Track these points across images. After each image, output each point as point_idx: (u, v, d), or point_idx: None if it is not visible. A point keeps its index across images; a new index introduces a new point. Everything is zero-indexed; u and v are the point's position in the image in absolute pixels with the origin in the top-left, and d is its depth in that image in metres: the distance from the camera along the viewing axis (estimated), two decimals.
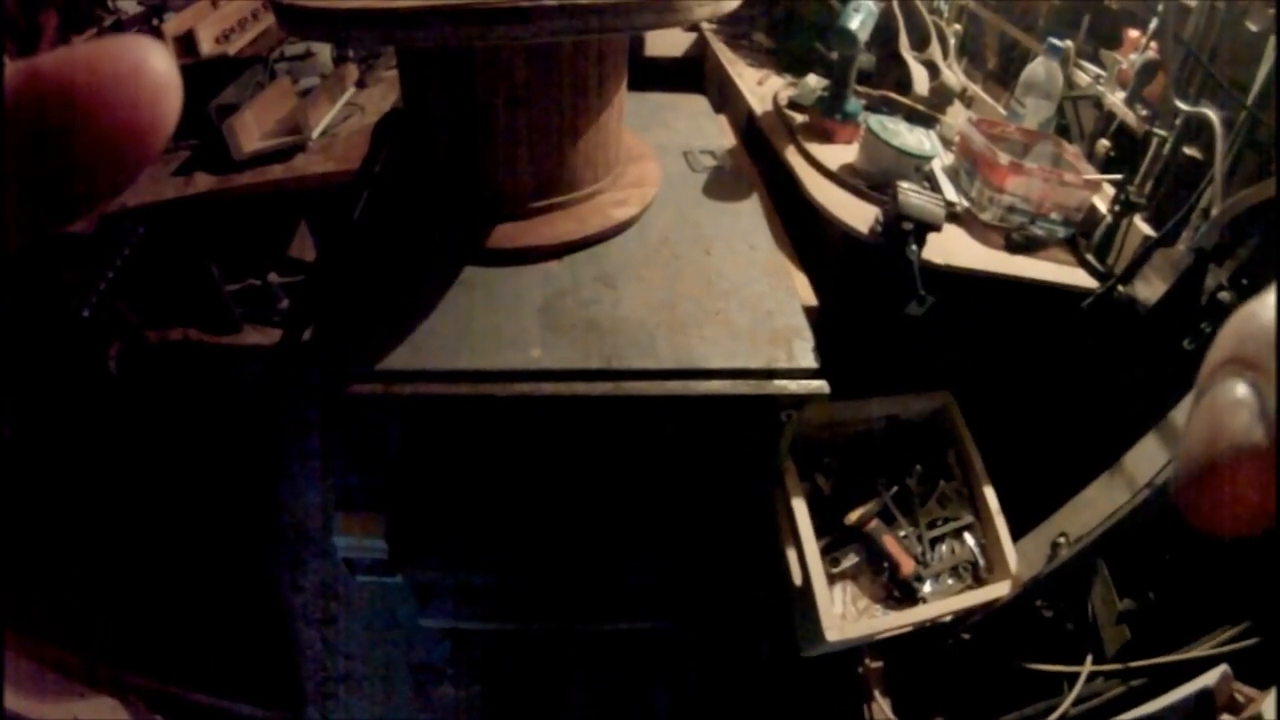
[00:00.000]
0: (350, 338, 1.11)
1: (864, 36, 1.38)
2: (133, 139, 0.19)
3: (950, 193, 1.36)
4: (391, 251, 1.26)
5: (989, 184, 1.37)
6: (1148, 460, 1.30)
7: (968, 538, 1.39)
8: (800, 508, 1.30)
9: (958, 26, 1.80)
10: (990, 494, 1.38)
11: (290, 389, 1.20)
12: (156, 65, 0.20)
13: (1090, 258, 1.41)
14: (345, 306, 1.17)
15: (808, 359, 1.15)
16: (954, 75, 1.60)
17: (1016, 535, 1.40)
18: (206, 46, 1.73)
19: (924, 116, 1.56)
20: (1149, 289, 1.37)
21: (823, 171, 1.39)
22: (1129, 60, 1.47)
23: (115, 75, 0.19)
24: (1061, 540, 1.35)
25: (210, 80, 1.74)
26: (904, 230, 1.15)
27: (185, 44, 1.70)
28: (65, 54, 0.19)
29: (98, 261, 1.71)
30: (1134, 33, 1.49)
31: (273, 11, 1.01)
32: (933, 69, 1.58)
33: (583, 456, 1.24)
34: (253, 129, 1.86)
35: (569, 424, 1.19)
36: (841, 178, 1.36)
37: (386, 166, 1.40)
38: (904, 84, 1.58)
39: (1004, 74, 1.76)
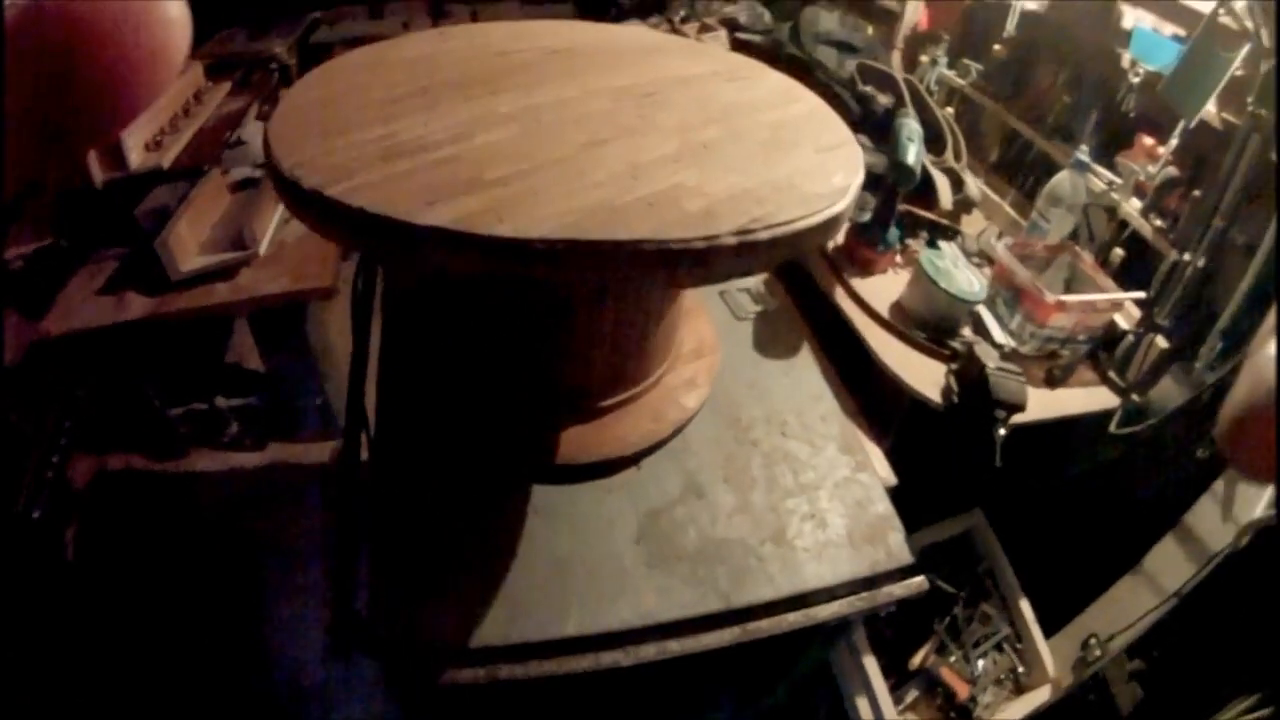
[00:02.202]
0: (422, 597, 0.93)
1: (920, 168, 1.27)
2: (138, 72, 0.19)
3: (998, 333, 1.31)
4: (438, 467, 1.06)
5: (1032, 319, 1.33)
6: (1168, 560, 1.37)
7: (1005, 646, 1.42)
8: (872, 665, 1.27)
9: (950, 110, 1.70)
10: (1026, 606, 1.42)
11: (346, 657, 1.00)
12: None
13: (1112, 374, 1.42)
14: (402, 548, 0.98)
15: (904, 554, 1.09)
16: (975, 185, 1.52)
17: (1045, 631, 1.45)
18: (135, 156, 1.35)
19: (946, 230, 1.48)
20: (1165, 400, 1.40)
21: (875, 318, 1.30)
22: (1145, 170, 1.45)
23: (121, 7, 0.19)
24: (1093, 641, 1.41)
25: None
26: (994, 416, 1.09)
27: (111, 155, 1.31)
28: None
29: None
30: (1149, 140, 1.46)
31: (301, 210, 0.76)
32: (953, 177, 1.50)
33: (673, 677, 1.14)
34: (188, 242, 1.51)
35: (679, 666, 1.07)
36: (899, 329, 1.28)
37: (391, 348, 1.18)
38: (921, 192, 1.48)
39: (1006, 167, 1.70)
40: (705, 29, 1.92)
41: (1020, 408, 1.13)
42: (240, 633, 1.67)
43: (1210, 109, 1.36)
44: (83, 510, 1.48)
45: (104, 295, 1.52)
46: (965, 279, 1.30)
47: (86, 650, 1.44)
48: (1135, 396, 1.40)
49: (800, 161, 0.87)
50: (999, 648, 1.42)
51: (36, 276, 1.45)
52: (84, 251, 1.55)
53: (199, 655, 1.60)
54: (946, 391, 1.20)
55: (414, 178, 0.74)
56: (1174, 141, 1.39)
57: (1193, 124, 1.36)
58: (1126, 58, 1.49)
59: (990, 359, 1.13)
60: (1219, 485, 1.34)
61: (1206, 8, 1.33)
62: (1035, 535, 1.50)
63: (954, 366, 1.22)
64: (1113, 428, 1.37)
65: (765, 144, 0.90)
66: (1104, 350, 1.45)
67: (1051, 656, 1.39)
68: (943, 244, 1.47)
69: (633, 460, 1.09)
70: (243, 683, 1.62)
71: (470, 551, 1.00)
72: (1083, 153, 1.45)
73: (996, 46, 1.69)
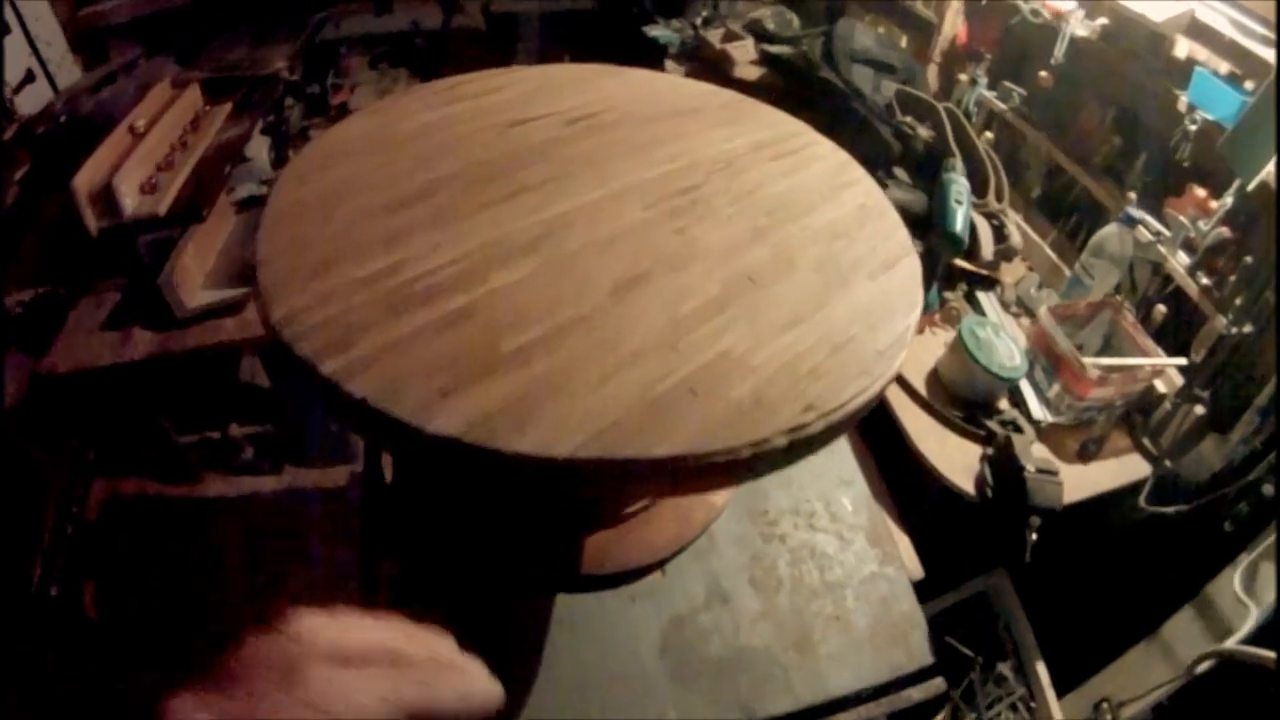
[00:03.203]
0: None
1: (969, 233, 1.13)
2: None
3: (1035, 407, 1.20)
4: (458, 576, 0.97)
5: (1070, 391, 1.22)
6: (1184, 631, 1.30)
7: (1019, 705, 1.37)
8: None
9: (989, 135, 1.54)
10: (1042, 669, 1.36)
11: None
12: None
13: (1146, 441, 1.31)
14: None
15: (925, 654, 1.02)
16: (1017, 231, 1.37)
17: (1060, 691, 1.40)
18: (130, 202, 1.20)
19: (985, 280, 1.35)
20: (1197, 470, 1.30)
21: (911, 394, 1.18)
22: (1195, 224, 1.30)
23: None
24: (1104, 706, 1.36)
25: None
26: (1030, 523, 0.99)
27: (103, 203, 1.17)
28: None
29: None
30: (1200, 191, 1.31)
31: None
32: (995, 221, 1.35)
33: None
34: (193, 274, 1.39)
35: None
36: (935, 407, 1.16)
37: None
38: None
39: (1047, 203, 1.54)
40: (730, 36, 1.73)
41: (1055, 512, 1.03)
42: None
43: (1270, 168, 1.20)
44: (99, 554, 1.42)
45: (107, 331, 1.41)
46: (1006, 350, 1.18)
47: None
48: (1168, 462, 1.30)
49: (858, 296, 0.75)
50: (1013, 708, 1.36)
51: (37, 317, 1.33)
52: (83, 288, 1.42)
53: None
54: (980, 482, 1.10)
55: (422, 345, 0.62)
56: (1228, 200, 1.24)
57: (1250, 187, 1.21)
58: (1183, 101, 1.31)
59: (1028, 458, 1.03)
60: (1244, 559, 1.25)
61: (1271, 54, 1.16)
62: (1055, 592, 1.42)
63: (989, 452, 1.12)
64: (1143, 500, 1.28)
65: (819, 267, 0.77)
66: (1139, 413, 1.34)
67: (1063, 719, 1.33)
68: (981, 295, 1.34)
69: (658, 565, 1.00)
70: None
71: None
72: (1133, 205, 1.30)
73: (1043, 73, 1.50)
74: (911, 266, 0.82)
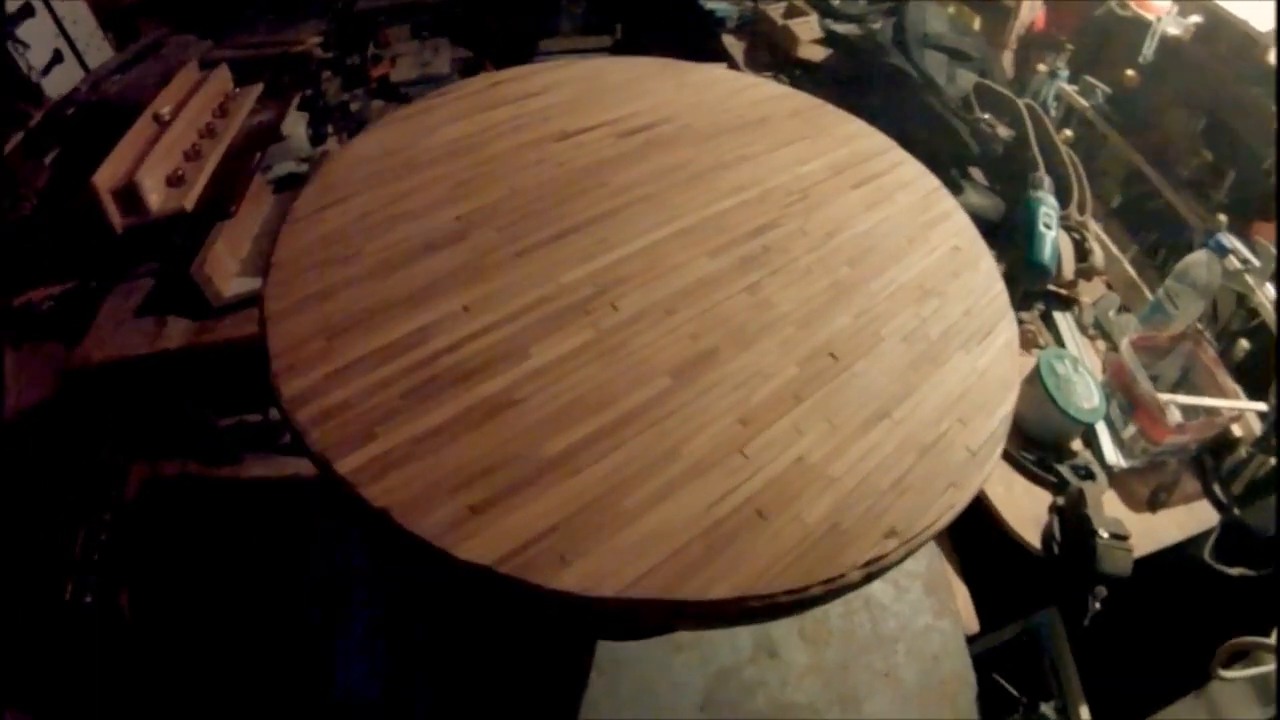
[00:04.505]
0: None
1: (1056, 261, 0.98)
2: None
3: (1109, 450, 1.06)
4: (501, 620, 0.88)
5: (1147, 436, 1.07)
6: (1235, 690, 1.18)
7: None
8: None
9: (1068, 133, 1.34)
10: (1086, 714, 1.25)
11: None
12: None
13: (1216, 487, 1.16)
14: (464, 703, 0.83)
15: (972, 713, 0.92)
16: (1100, 249, 1.20)
17: None
18: (155, 198, 1.08)
19: (1063, 299, 1.19)
20: (1264, 524, 1.15)
21: None
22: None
23: None
24: None
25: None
26: (1095, 592, 0.87)
27: (126, 200, 1.05)
28: None
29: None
30: None
31: None
32: (1076, 236, 1.18)
33: None
34: (227, 262, 1.28)
35: None
36: (1006, 448, 1.03)
37: None
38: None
39: (1127, 212, 1.35)
40: (793, 11, 1.52)
41: (1123, 581, 0.90)
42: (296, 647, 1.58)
43: None
44: (137, 542, 1.36)
45: (141, 319, 1.31)
46: (1085, 389, 1.04)
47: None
48: (1236, 511, 1.16)
49: (950, 378, 0.62)
50: None
51: (68, 310, 1.22)
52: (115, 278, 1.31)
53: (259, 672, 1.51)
54: (1047, 537, 0.97)
55: (453, 444, 0.51)
56: None
57: None
58: None
59: (1100, 518, 0.90)
60: None
61: None
62: (1105, 634, 1.30)
63: (1059, 503, 0.98)
64: (1208, 553, 1.14)
65: (908, 338, 0.64)
66: (1210, 456, 1.18)
67: None
68: (1058, 316, 1.18)
69: None
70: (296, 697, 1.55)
71: (529, 712, 0.83)
72: (1224, 231, 1.12)
73: (1129, 72, 1.29)
74: (1009, 333, 0.68)
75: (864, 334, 0.63)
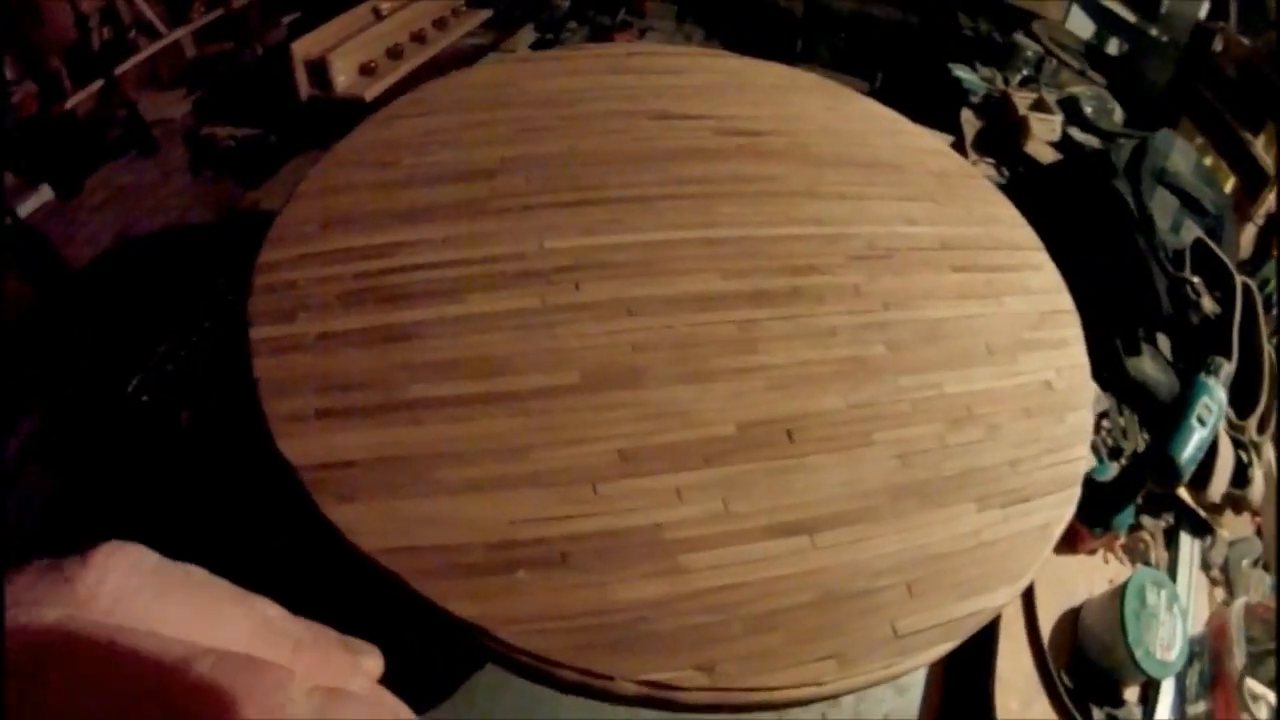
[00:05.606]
0: None
1: (1193, 468, 0.73)
2: None
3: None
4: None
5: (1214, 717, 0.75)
6: None
7: None
8: None
9: None
10: None
11: None
12: None
13: None
14: None
15: None
16: (1264, 486, 0.87)
17: None
18: (343, 80, 1.21)
19: (1199, 524, 0.89)
20: None
21: (1029, 618, 0.81)
22: None
23: None
24: None
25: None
26: None
27: (315, 73, 1.19)
28: None
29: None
30: None
31: None
32: (1242, 457, 0.87)
33: None
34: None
35: None
36: (1044, 652, 0.79)
37: None
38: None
39: None
40: (1041, 105, 1.30)
41: None
42: None
43: None
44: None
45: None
46: (1169, 635, 0.76)
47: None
48: None
49: (933, 533, 0.47)
50: None
51: (245, 154, 1.34)
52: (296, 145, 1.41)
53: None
54: None
55: (341, 353, 0.49)
56: None
57: None
58: None
59: None
60: None
61: None
62: None
63: None
64: None
65: (906, 459, 0.50)
66: None
67: None
68: (1184, 539, 0.89)
69: None
70: None
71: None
72: None
73: None
74: (1055, 516, 0.49)
75: (850, 428, 0.50)
